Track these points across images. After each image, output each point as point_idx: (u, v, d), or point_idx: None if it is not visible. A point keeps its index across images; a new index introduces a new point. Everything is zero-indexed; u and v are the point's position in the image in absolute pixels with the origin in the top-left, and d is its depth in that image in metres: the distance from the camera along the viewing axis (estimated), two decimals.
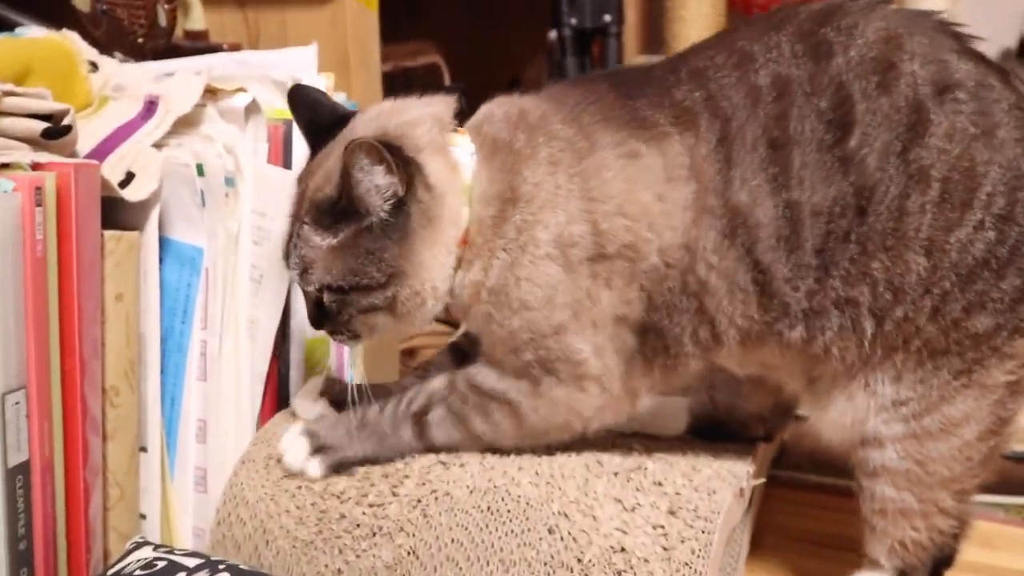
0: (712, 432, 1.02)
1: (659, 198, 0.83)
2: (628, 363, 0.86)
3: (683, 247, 0.83)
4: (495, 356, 0.89)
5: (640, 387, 0.88)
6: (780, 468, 1.22)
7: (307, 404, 0.98)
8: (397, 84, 1.84)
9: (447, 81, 2.14)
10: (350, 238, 0.85)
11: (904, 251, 0.80)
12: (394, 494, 0.87)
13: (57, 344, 0.88)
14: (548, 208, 0.84)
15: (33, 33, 1.12)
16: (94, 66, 1.12)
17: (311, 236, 0.86)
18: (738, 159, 0.81)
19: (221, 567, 0.81)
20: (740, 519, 0.93)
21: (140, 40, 1.29)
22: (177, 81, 1.05)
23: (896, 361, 0.83)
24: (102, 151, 0.99)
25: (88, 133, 1.02)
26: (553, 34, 1.97)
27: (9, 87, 0.90)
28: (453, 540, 0.83)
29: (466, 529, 0.83)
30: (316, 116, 0.93)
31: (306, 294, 0.90)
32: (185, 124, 1.04)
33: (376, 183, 0.83)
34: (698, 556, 0.79)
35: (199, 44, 1.48)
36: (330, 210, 0.85)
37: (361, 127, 0.89)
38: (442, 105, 0.91)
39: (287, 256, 0.88)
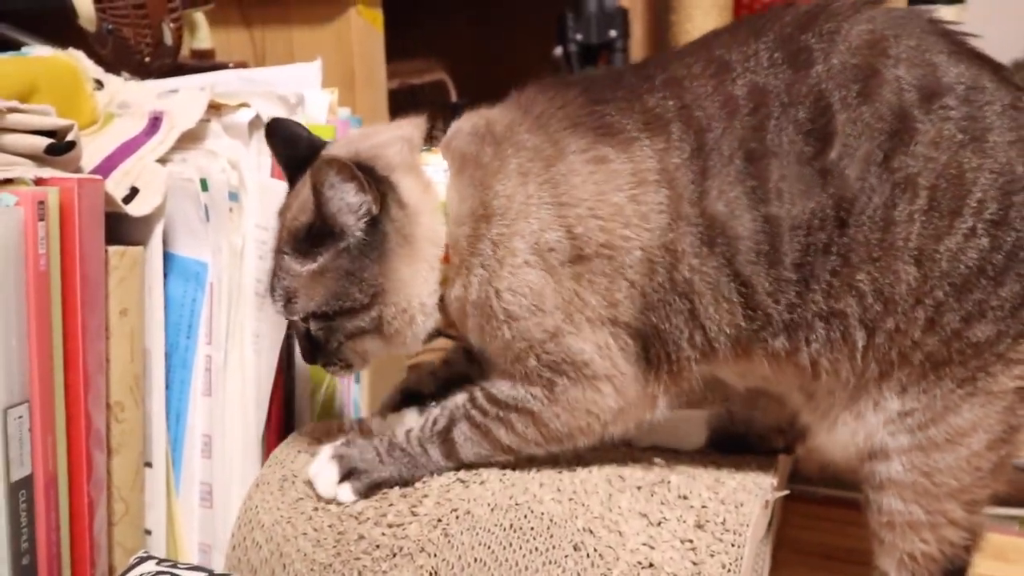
0: (731, 445, 1.00)
1: (632, 200, 0.82)
2: (637, 367, 0.85)
3: (663, 247, 0.82)
4: (503, 366, 0.88)
5: (656, 393, 0.87)
6: (793, 481, 1.20)
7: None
8: (403, 101, 1.85)
9: (453, 98, 2.14)
10: (329, 261, 0.85)
11: (892, 261, 0.78)
12: (413, 514, 0.86)
13: (61, 359, 0.87)
14: (522, 218, 0.83)
15: (39, 52, 1.12)
16: (99, 84, 1.13)
17: (291, 265, 0.86)
18: (715, 171, 0.80)
19: None
20: (764, 532, 0.92)
21: (146, 59, 1.30)
22: (181, 97, 1.05)
23: (901, 375, 0.81)
24: (107, 167, 1.00)
25: (93, 150, 1.02)
26: (559, 50, 1.97)
27: (13, 103, 0.90)
28: (476, 560, 0.82)
29: (489, 548, 0.82)
30: (293, 150, 0.94)
31: (294, 326, 0.90)
32: (189, 139, 1.04)
33: (348, 201, 0.83)
34: (729, 571, 0.78)
35: (205, 63, 1.49)
36: (307, 236, 0.85)
37: (334, 151, 0.90)
38: (412, 127, 0.92)
39: (272, 290, 0.88)
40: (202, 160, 1.02)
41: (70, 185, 0.87)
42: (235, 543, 0.91)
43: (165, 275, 1.01)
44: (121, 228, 0.96)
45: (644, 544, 0.80)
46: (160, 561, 0.85)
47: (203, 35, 1.52)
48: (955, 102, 0.78)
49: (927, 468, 0.83)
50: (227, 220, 1.02)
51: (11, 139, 0.89)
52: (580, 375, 0.85)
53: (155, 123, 1.03)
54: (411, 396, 1.01)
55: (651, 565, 0.78)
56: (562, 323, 0.84)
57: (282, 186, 1.08)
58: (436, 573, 0.82)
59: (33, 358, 0.85)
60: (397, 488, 0.89)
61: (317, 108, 1.17)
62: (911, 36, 0.80)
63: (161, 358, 1.00)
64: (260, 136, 1.06)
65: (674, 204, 0.81)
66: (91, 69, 1.13)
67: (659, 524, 0.82)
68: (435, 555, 0.83)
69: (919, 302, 0.79)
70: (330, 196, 0.82)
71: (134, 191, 0.97)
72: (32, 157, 0.91)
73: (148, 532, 1.01)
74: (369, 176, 0.83)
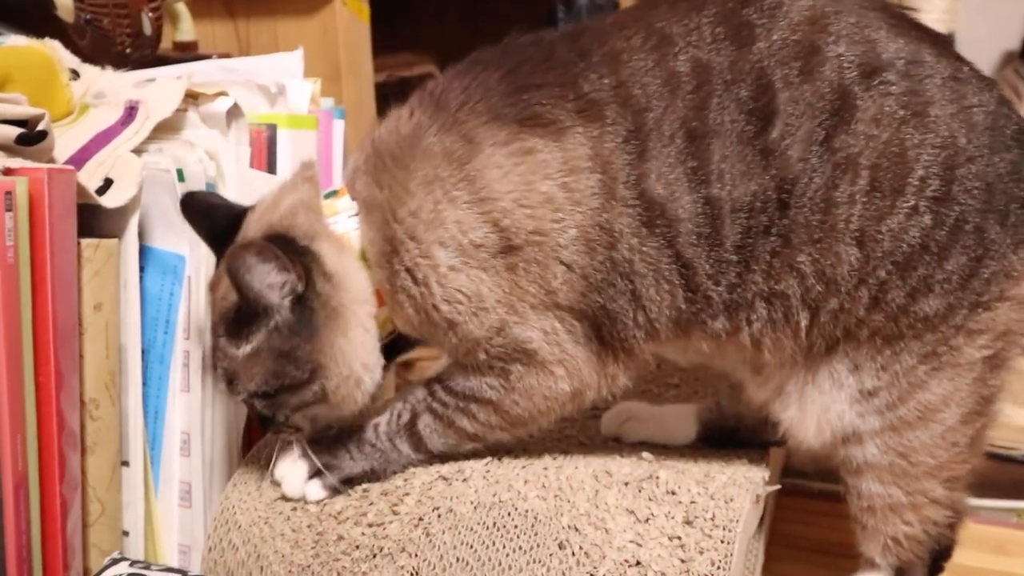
0: (722, 439, 0.99)
1: (563, 188, 0.79)
2: (589, 349, 0.83)
3: (597, 226, 0.79)
4: (457, 359, 0.87)
5: (615, 372, 0.85)
6: (786, 476, 1.19)
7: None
8: (393, 94, 1.82)
9: None
10: (263, 342, 0.83)
11: (834, 243, 0.77)
12: (394, 513, 0.84)
13: (31, 355, 0.85)
14: (434, 227, 0.81)
15: (13, 42, 1.10)
16: (75, 74, 1.10)
17: (227, 348, 0.84)
18: (654, 151, 0.78)
19: None
20: (756, 527, 0.90)
21: (126, 50, 1.27)
22: (157, 87, 1.03)
23: (847, 351, 0.80)
24: (81, 158, 0.97)
25: (68, 140, 0.99)
26: None
27: None
28: (458, 559, 0.79)
29: (471, 547, 0.80)
30: (214, 222, 0.91)
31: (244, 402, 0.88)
32: (166, 129, 1.01)
33: (269, 282, 0.81)
34: (718, 568, 0.76)
35: (188, 56, 1.46)
36: (236, 318, 0.84)
37: (253, 228, 0.87)
38: (306, 186, 0.88)
39: (214, 368, 0.86)
40: (179, 150, 0.99)
41: (40, 175, 0.84)
42: (211, 544, 0.88)
43: (142, 269, 0.98)
44: (95, 220, 0.93)
45: (631, 541, 0.77)
46: (133, 563, 0.83)
47: (186, 27, 1.49)
48: (895, 77, 0.76)
49: (902, 448, 0.81)
50: None
51: None
52: (532, 361, 0.83)
53: (131, 113, 1.00)
54: None
55: (638, 563, 0.76)
56: (506, 315, 0.82)
57: (264, 177, 1.07)
58: (417, 573, 0.80)
59: (1, 355, 0.82)
60: (378, 486, 0.87)
61: (299, 98, 1.14)
62: (851, 13, 0.78)
63: (137, 354, 0.98)
64: (239, 126, 1.04)
65: (608, 187, 0.79)
66: (67, 59, 1.11)
67: (647, 521, 0.80)
68: (416, 555, 0.80)
69: (862, 282, 0.78)
70: (249, 280, 0.80)
71: (108, 182, 0.94)
72: (2, 147, 0.88)
73: (126, 533, 0.98)
74: (290, 250, 0.81)
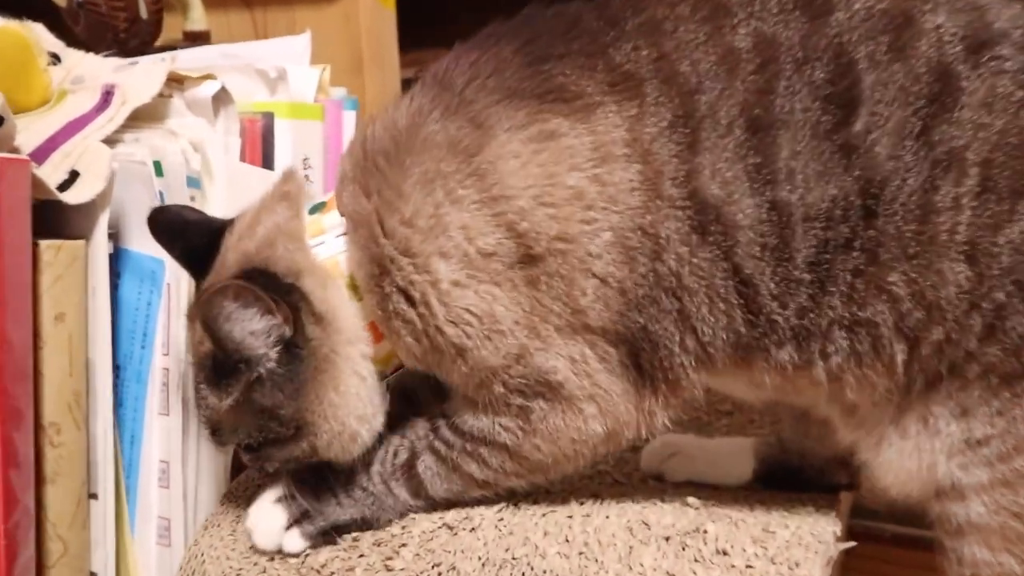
0: (783, 480, 0.86)
1: (595, 181, 0.67)
2: (625, 380, 0.71)
3: (639, 229, 0.67)
4: (467, 393, 0.74)
5: (653, 408, 0.72)
6: (855, 516, 1.04)
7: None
8: None
9: None
10: (244, 395, 0.72)
11: (935, 259, 0.65)
12: (388, 568, 0.72)
13: None
14: (431, 238, 0.69)
15: None
16: (56, 59, 1.00)
17: (208, 396, 0.74)
18: (707, 143, 0.66)
19: None
20: None
21: (123, 36, 1.17)
22: (137, 70, 0.92)
23: (951, 391, 0.68)
24: (48, 148, 0.86)
25: (39, 129, 0.89)
26: None
27: None
28: None
29: None
30: (188, 240, 0.80)
31: None
32: (148, 117, 0.91)
33: (252, 329, 0.70)
34: None
35: (197, 45, 1.37)
36: (214, 367, 0.73)
37: (231, 256, 0.76)
38: (282, 208, 0.77)
39: (198, 409, 0.77)
40: (157, 140, 0.88)
41: None
42: None
43: (118, 274, 0.87)
44: (60, 219, 0.82)
45: None
46: None
47: (197, 15, 1.39)
48: (1010, 51, 0.64)
49: (1017, 508, 0.69)
50: None
51: None
52: (557, 397, 0.71)
53: (107, 98, 0.90)
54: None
55: None
56: (526, 340, 0.69)
57: (259, 173, 0.95)
58: None
59: None
60: (370, 535, 0.75)
61: (303, 84, 1.02)
62: None
63: (108, 371, 0.86)
64: (228, 113, 0.92)
65: (651, 181, 0.66)
66: (48, 43, 1.00)
67: None
68: None
69: (974, 307, 0.65)
70: (229, 330, 0.70)
71: (74, 175, 0.83)
72: None
73: (93, 575, 0.87)
74: (272, 288, 0.70)
